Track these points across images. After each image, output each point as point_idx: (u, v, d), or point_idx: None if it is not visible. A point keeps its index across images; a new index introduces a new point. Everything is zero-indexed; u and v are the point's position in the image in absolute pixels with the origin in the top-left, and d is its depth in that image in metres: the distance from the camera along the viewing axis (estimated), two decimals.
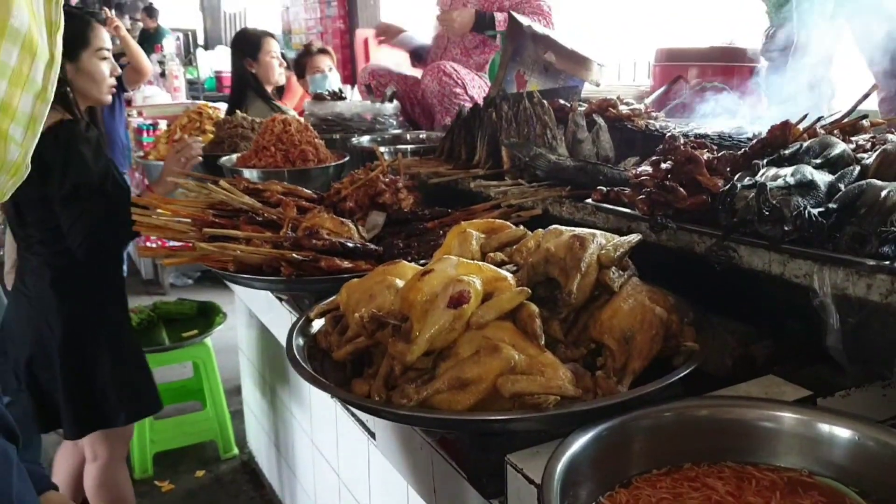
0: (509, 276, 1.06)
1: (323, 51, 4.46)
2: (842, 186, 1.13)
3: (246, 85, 3.74)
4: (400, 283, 1.11)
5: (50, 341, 2.27)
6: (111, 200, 2.19)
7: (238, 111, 3.07)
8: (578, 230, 1.14)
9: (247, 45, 3.77)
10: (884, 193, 1.05)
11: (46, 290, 2.28)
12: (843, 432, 0.88)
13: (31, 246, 2.31)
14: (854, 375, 1.11)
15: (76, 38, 2.27)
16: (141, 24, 9.99)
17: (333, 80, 4.10)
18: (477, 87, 3.01)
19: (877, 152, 1.21)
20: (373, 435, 1.41)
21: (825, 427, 0.89)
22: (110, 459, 2.45)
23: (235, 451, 3.47)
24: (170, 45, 9.00)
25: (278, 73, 3.72)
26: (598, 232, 1.14)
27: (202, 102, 4.49)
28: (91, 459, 2.47)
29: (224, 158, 2.31)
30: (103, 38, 2.35)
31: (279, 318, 1.96)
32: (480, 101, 2.96)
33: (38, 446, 2.59)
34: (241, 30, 4.25)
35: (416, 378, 0.98)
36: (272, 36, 3.79)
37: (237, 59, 3.81)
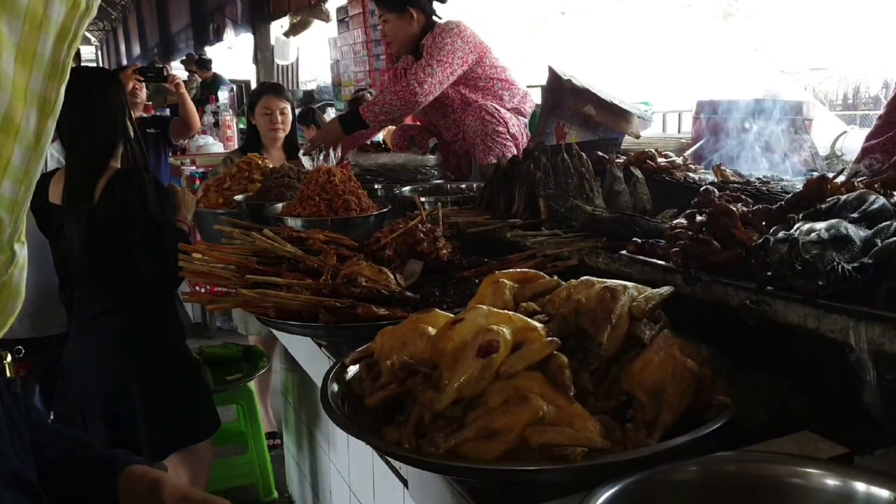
0: (539, 326, 1.07)
1: None
2: (878, 241, 1.12)
3: (253, 135, 4.04)
4: (433, 331, 1.12)
5: (127, 376, 2.52)
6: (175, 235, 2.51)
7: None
8: (610, 282, 1.15)
9: (250, 100, 4.11)
10: None
11: (118, 332, 2.54)
12: (880, 492, 0.86)
13: (99, 293, 2.57)
14: (895, 433, 1.09)
15: (127, 95, 2.70)
16: (198, 78, 10.41)
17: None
18: (515, 126, 3.07)
19: None
20: (405, 482, 1.41)
21: (861, 486, 0.87)
22: (193, 483, 2.62)
23: (275, 494, 3.49)
24: (223, 95, 9.33)
25: (268, 129, 3.90)
26: (629, 284, 1.15)
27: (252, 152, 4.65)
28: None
29: (270, 207, 2.38)
30: None
31: (318, 363, 1.99)
32: (521, 140, 3.03)
33: None
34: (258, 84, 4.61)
35: (446, 426, 0.99)
36: (275, 93, 4.02)
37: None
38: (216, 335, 5.67)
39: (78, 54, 0.76)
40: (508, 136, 2.96)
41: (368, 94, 5.40)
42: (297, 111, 7.26)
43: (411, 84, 3.04)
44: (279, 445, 3.63)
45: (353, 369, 1.25)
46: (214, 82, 9.94)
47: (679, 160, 2.05)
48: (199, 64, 10.42)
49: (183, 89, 4.90)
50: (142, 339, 2.56)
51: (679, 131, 5.66)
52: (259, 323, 2.19)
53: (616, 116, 2.49)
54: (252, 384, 3.50)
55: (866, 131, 2.27)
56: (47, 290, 2.77)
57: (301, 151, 3.51)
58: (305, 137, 6.04)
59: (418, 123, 3.53)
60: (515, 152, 2.97)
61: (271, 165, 2.91)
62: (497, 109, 3.00)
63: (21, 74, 0.59)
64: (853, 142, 2.66)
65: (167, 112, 7.27)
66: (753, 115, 2.32)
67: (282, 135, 3.93)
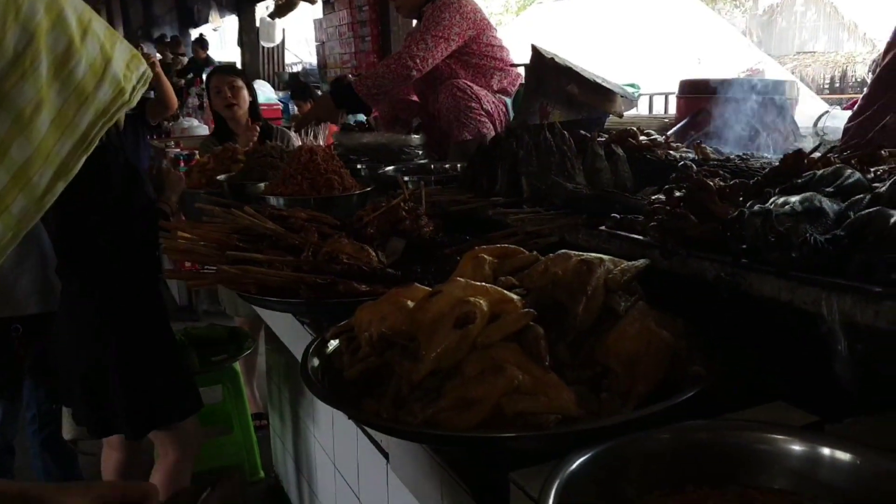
0: (516, 298, 1.08)
1: None
2: (852, 214, 1.13)
3: (219, 120, 4.06)
4: (412, 304, 1.13)
5: (104, 357, 2.46)
6: (148, 218, 2.46)
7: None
8: (586, 255, 1.16)
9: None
10: (893, 220, 1.05)
11: (95, 312, 2.48)
12: (845, 457, 0.88)
13: (76, 271, 2.51)
14: (866, 403, 1.11)
15: None
16: (184, 59, 10.36)
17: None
18: (490, 102, 3.05)
19: (890, 181, 1.21)
20: (387, 456, 1.43)
21: (827, 452, 0.89)
22: (178, 460, 2.62)
23: (262, 473, 3.51)
24: None
25: (222, 107, 3.94)
26: (605, 257, 1.16)
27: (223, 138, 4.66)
28: (162, 456, 2.65)
29: (252, 186, 2.37)
30: None
31: (301, 341, 1.99)
32: (496, 117, 3.02)
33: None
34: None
35: (423, 397, 1.00)
36: (222, 72, 4.12)
37: None
38: (202, 317, 5.66)
39: None
40: (482, 112, 2.95)
41: (350, 77, 5.41)
42: (290, 90, 7.26)
43: (404, 58, 3.01)
44: (265, 426, 3.64)
45: (333, 344, 1.26)
46: (208, 63, 9.96)
47: (661, 139, 2.06)
48: (198, 43, 10.59)
49: (159, 68, 4.86)
50: (119, 321, 2.50)
51: (665, 113, 5.68)
52: (245, 304, 2.19)
53: (599, 95, 2.49)
54: (238, 365, 3.50)
55: (850, 113, 2.29)
56: (46, 264, 2.74)
57: (292, 128, 3.50)
58: (300, 113, 6.05)
59: (412, 97, 3.50)
60: (491, 128, 2.96)
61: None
62: (469, 86, 2.99)
63: (52, 136, 0.65)
64: (836, 121, 2.67)
65: (151, 95, 7.21)
66: (736, 93, 2.33)
67: (237, 110, 3.90)
